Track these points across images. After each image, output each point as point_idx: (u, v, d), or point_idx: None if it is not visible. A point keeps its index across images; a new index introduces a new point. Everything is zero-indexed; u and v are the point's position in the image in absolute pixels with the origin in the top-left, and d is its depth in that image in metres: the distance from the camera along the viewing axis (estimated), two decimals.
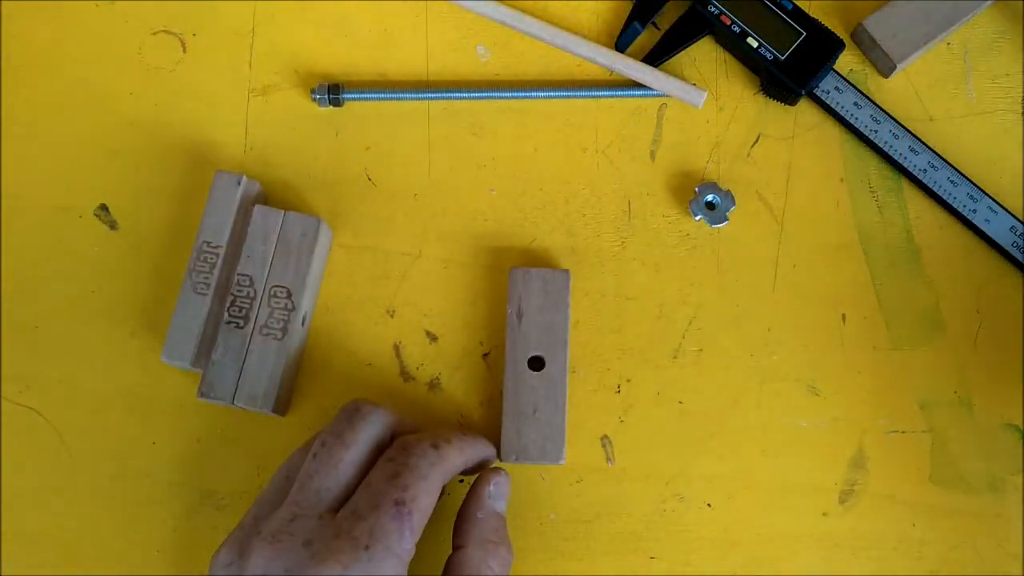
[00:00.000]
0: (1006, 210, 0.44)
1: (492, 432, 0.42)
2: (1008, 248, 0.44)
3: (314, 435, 0.37)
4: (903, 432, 0.43)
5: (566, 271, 0.42)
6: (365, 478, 0.34)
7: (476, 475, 0.39)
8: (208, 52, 0.46)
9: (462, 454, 0.36)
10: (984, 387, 0.43)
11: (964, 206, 0.44)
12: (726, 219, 0.44)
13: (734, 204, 0.44)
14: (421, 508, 0.33)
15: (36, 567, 0.41)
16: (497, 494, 0.38)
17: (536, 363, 0.41)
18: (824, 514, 0.42)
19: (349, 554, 0.31)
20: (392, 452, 0.34)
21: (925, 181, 0.45)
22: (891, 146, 0.45)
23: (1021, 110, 0.46)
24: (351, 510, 0.33)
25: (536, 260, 0.44)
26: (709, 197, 0.44)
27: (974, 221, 0.44)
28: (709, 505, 0.42)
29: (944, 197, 0.44)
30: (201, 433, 0.42)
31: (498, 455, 0.41)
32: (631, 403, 0.43)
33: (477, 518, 0.37)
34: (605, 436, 0.43)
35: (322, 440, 0.35)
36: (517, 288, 0.42)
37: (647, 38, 0.47)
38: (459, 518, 0.37)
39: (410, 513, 0.33)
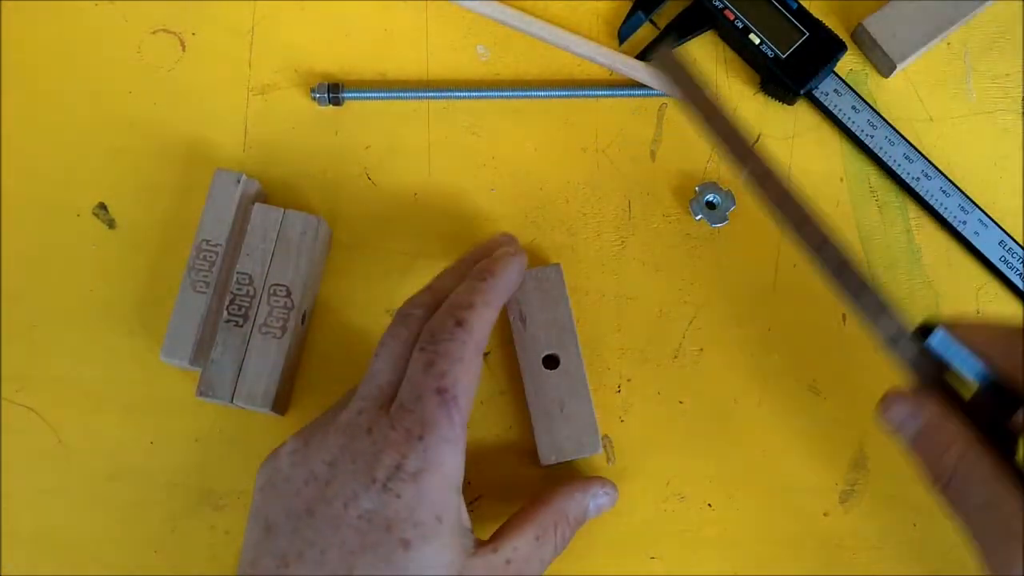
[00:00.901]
0: (995, 223, 0.44)
1: (499, 431, 0.42)
2: (996, 262, 0.44)
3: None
4: None
5: (556, 265, 0.42)
6: (406, 371, 0.35)
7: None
8: (207, 51, 0.46)
9: (491, 307, 0.36)
10: None
11: (955, 217, 0.44)
12: (726, 219, 0.44)
13: (734, 203, 0.44)
14: (463, 390, 0.34)
15: (34, 567, 0.41)
16: (593, 503, 0.39)
17: (550, 361, 0.41)
18: (824, 514, 0.42)
19: (405, 444, 0.33)
20: (422, 341, 0.35)
21: (918, 190, 0.45)
22: (886, 152, 0.45)
23: (1021, 110, 0.47)
24: (399, 403, 0.34)
25: (536, 260, 0.44)
26: (709, 197, 0.44)
27: (964, 233, 0.44)
28: (709, 505, 0.42)
29: (935, 207, 0.45)
30: (200, 433, 0.42)
31: (538, 456, 0.40)
32: (631, 403, 0.43)
33: (573, 495, 0.38)
34: (605, 436, 0.43)
35: (382, 341, 0.36)
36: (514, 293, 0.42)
37: (646, 34, 0.47)
38: (561, 482, 0.38)
39: (455, 398, 0.33)
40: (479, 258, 0.39)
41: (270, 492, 0.34)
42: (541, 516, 0.37)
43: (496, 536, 0.35)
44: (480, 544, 0.34)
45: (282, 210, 0.42)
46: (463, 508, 0.34)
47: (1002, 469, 0.32)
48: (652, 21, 0.47)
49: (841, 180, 0.46)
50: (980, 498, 0.32)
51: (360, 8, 0.47)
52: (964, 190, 0.45)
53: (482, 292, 0.36)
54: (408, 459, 0.32)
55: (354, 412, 0.34)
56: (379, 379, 0.35)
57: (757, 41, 0.45)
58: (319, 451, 0.34)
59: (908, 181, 0.45)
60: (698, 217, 0.44)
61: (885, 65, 0.46)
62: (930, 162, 0.45)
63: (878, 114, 0.45)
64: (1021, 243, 0.44)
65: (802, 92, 0.45)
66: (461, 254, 0.44)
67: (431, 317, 0.36)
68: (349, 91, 0.45)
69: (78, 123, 0.45)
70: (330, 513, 0.32)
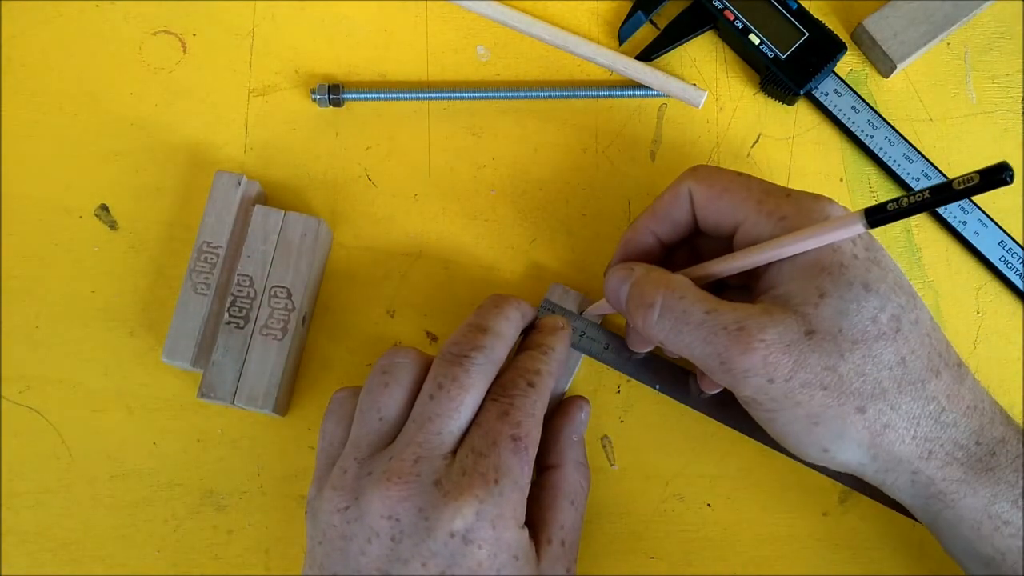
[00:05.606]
0: (995, 223, 0.44)
1: None
2: (995, 262, 0.44)
3: (372, 379, 0.37)
4: None
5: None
6: (475, 418, 0.35)
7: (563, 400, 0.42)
8: (208, 52, 0.46)
9: (553, 378, 0.38)
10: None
11: (954, 217, 0.44)
12: None
13: None
14: (533, 441, 0.35)
15: (36, 567, 0.41)
16: (585, 420, 0.41)
17: None
18: (824, 514, 0.42)
19: (482, 488, 0.33)
20: (495, 393, 0.36)
21: (917, 190, 0.45)
22: (886, 152, 0.45)
23: (1021, 110, 0.47)
24: (469, 448, 0.34)
25: (535, 260, 0.44)
26: None
27: (963, 233, 0.44)
28: (709, 505, 0.42)
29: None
30: (201, 433, 0.42)
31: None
32: (631, 403, 0.43)
33: (573, 440, 0.40)
34: (605, 436, 0.43)
35: (438, 383, 0.35)
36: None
37: (647, 34, 0.47)
38: (551, 439, 0.39)
39: (526, 448, 0.35)
40: (503, 305, 0.38)
41: (329, 548, 0.34)
42: (561, 479, 0.38)
43: (539, 523, 0.36)
44: (536, 543, 0.35)
45: (283, 212, 0.42)
46: (527, 533, 0.35)
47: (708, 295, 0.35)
48: (652, 21, 0.47)
49: (841, 180, 0.46)
50: (698, 314, 0.33)
51: (360, 8, 0.47)
52: None
53: (546, 363, 0.38)
54: (486, 505, 0.33)
55: (409, 460, 0.34)
56: (438, 425, 0.34)
57: (757, 41, 0.45)
58: (375, 505, 0.33)
59: (908, 181, 0.45)
60: None
61: (885, 65, 0.46)
62: (930, 162, 0.45)
63: (878, 114, 0.45)
64: (1021, 243, 0.44)
65: (802, 92, 0.45)
66: (457, 259, 0.44)
67: (491, 365, 0.36)
68: (349, 92, 0.45)
69: (79, 124, 0.45)
70: (408, 574, 0.32)
